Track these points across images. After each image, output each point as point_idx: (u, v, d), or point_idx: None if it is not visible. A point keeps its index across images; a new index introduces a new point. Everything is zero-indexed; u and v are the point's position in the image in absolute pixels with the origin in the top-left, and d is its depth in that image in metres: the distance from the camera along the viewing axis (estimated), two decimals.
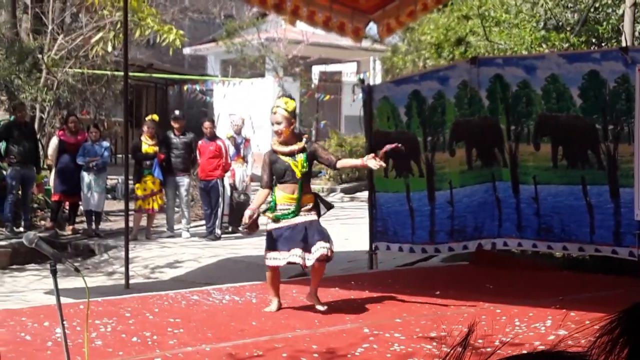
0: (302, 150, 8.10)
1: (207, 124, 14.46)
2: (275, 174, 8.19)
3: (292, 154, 8.09)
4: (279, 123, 8.05)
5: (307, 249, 8.02)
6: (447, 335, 7.28)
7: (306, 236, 8.04)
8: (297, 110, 25.57)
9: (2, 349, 5.81)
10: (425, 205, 10.88)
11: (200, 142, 14.27)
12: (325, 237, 8.08)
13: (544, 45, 12.12)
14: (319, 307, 8.33)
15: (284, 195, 8.11)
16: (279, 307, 8.36)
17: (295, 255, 8.01)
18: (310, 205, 8.16)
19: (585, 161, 9.79)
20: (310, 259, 8.03)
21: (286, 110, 8.06)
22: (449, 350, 0.97)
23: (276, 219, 8.10)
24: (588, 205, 9.75)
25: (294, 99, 8.34)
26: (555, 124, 9.96)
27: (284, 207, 8.11)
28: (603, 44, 12.26)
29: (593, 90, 9.57)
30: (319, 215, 8.22)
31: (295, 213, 8.06)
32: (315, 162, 8.43)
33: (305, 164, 8.09)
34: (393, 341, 7.18)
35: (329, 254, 8.07)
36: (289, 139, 8.11)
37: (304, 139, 8.29)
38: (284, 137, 8.09)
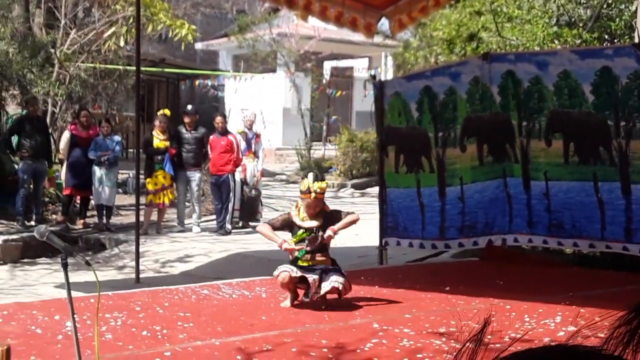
0: (320, 225, 8.39)
1: (218, 118, 14.46)
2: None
3: (310, 229, 8.38)
4: (317, 204, 8.36)
5: (321, 279, 8.24)
6: (456, 331, 7.28)
7: (323, 272, 8.30)
8: (308, 106, 25.41)
9: (13, 342, 5.84)
10: (435, 201, 10.87)
11: (211, 137, 14.27)
12: (342, 275, 8.33)
13: (557, 42, 12.08)
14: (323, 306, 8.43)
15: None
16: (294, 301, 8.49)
17: (310, 277, 8.25)
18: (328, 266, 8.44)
19: (596, 158, 9.76)
20: (324, 287, 8.22)
21: (323, 191, 8.40)
22: (461, 346, 0.96)
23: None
24: (599, 202, 9.72)
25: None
26: (567, 120, 9.93)
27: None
28: (616, 40, 12.22)
29: (605, 86, 9.53)
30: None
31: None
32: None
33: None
34: (402, 336, 7.19)
35: (341, 288, 8.25)
36: (313, 214, 8.39)
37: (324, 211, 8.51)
38: (312, 212, 8.35)
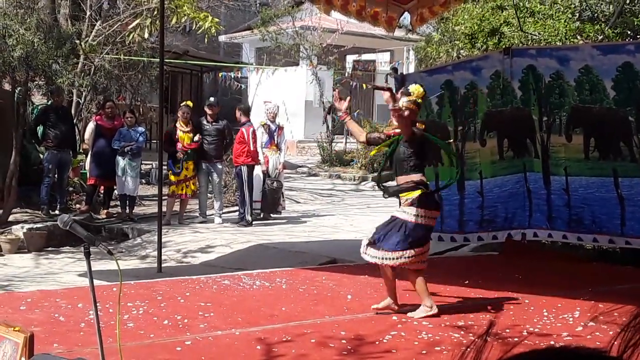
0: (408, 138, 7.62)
1: (236, 110, 14.64)
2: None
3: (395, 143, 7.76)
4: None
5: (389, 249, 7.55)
6: (474, 325, 7.34)
7: (392, 236, 7.55)
8: (330, 99, 25.15)
9: (36, 329, 5.94)
10: (454, 195, 10.89)
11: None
12: (396, 246, 7.51)
13: (579, 37, 12.06)
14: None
15: None
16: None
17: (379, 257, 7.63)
18: (409, 199, 7.59)
19: (617, 153, 9.77)
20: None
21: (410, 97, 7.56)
22: (471, 342, 1.01)
23: None
24: (619, 198, 9.73)
25: (422, 86, 7.79)
26: (588, 116, 9.94)
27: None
28: (638, 36, 12.18)
29: (627, 82, 9.53)
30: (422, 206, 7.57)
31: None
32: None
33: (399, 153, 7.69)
34: (421, 329, 7.25)
35: (393, 264, 7.59)
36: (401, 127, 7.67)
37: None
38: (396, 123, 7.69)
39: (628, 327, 0.98)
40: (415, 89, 7.66)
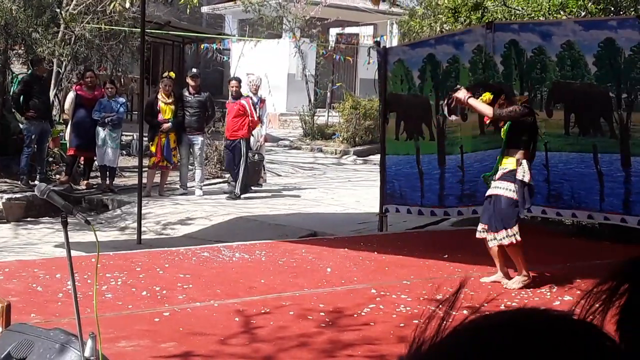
0: None
1: (232, 82, 14.51)
2: None
3: None
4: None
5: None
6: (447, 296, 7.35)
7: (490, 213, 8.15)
8: (313, 72, 24.95)
9: (14, 299, 5.92)
10: (435, 169, 10.91)
11: (227, 101, 14.36)
12: (495, 224, 8.07)
13: (562, 12, 12.04)
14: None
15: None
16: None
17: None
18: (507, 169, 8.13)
19: (597, 129, 9.78)
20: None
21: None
22: (434, 308, 0.99)
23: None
24: (598, 173, 9.75)
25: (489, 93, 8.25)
26: (569, 92, 9.95)
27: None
28: (621, 12, 12.18)
29: (608, 58, 9.53)
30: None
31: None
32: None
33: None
34: (399, 302, 7.29)
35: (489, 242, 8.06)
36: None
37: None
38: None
39: (590, 294, 0.98)
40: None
